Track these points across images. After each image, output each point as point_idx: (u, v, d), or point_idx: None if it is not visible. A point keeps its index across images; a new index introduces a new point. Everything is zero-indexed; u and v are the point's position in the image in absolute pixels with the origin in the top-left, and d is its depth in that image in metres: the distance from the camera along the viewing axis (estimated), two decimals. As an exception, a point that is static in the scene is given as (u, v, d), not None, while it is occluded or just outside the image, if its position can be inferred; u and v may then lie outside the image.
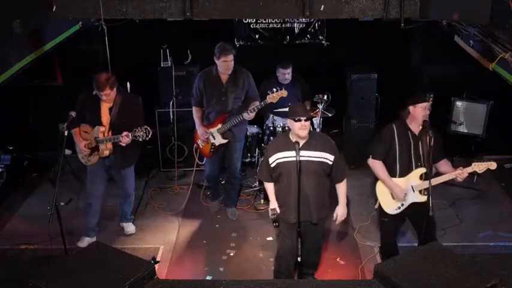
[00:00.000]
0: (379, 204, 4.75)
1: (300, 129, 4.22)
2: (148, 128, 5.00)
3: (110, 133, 5.13)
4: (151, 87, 6.82)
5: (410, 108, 4.58)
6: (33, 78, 6.80)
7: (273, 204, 4.49)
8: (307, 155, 4.25)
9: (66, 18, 5.47)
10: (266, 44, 7.22)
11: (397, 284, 3.15)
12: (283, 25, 7.18)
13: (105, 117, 5.16)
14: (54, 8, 5.19)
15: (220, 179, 6.25)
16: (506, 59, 4.71)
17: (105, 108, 5.17)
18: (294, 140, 4.27)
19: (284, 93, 5.41)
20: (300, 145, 4.21)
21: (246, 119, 5.53)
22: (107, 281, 3.19)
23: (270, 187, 4.54)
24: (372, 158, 4.69)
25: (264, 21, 7.14)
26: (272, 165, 4.40)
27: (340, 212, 4.55)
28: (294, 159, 4.19)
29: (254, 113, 5.47)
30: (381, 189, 4.70)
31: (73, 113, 4.92)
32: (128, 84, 6.80)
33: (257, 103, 5.49)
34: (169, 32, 6.68)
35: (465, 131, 6.60)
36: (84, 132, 5.20)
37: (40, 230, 5.10)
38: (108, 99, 5.09)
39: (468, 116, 6.57)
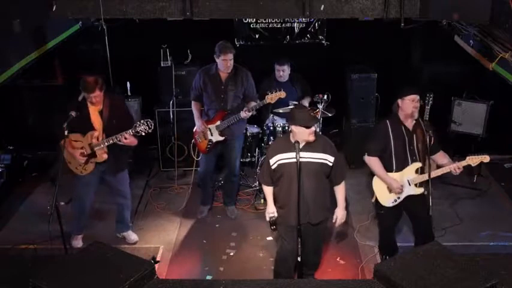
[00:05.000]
0: (376, 198, 4.77)
1: (309, 134, 4.22)
2: (149, 120, 4.92)
3: (104, 136, 5.00)
4: (151, 87, 6.82)
5: (399, 101, 4.62)
6: (34, 78, 6.79)
7: (271, 207, 4.47)
8: (308, 156, 4.24)
9: (66, 18, 5.47)
10: (266, 43, 7.23)
11: (397, 284, 3.15)
12: (283, 25, 7.19)
13: (97, 121, 5.01)
14: (54, 7, 5.19)
15: (212, 184, 6.23)
16: (506, 59, 4.72)
17: (95, 112, 5.01)
18: (293, 141, 4.25)
19: (282, 94, 5.45)
20: (301, 146, 4.18)
21: (242, 117, 5.53)
22: (107, 280, 3.20)
23: (268, 190, 4.51)
24: (368, 155, 4.71)
25: (264, 21, 7.15)
26: (273, 167, 4.36)
27: (339, 214, 4.54)
28: (295, 160, 4.17)
29: (251, 112, 5.50)
30: (377, 183, 4.73)
31: (73, 113, 4.90)
32: (128, 84, 6.83)
33: (253, 103, 5.53)
34: (169, 32, 6.67)
35: (465, 130, 6.60)
36: (75, 142, 5.02)
37: (40, 230, 5.09)
38: (97, 101, 4.95)
39: (468, 115, 6.57)
